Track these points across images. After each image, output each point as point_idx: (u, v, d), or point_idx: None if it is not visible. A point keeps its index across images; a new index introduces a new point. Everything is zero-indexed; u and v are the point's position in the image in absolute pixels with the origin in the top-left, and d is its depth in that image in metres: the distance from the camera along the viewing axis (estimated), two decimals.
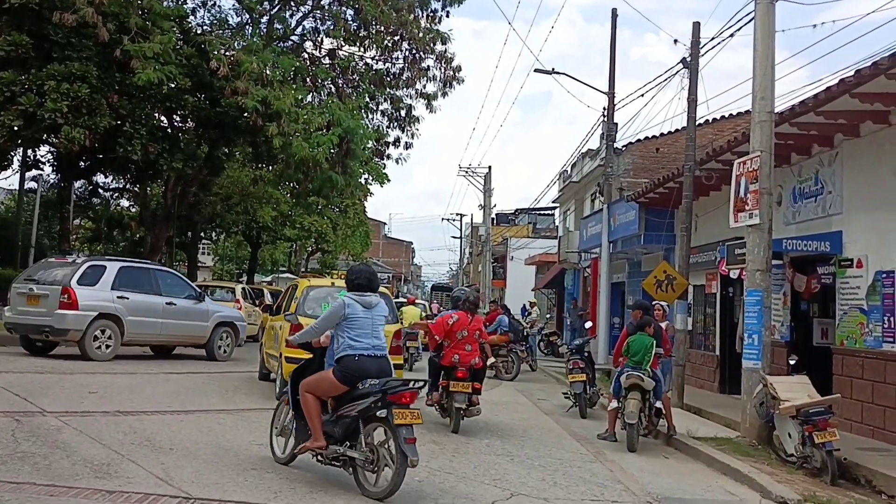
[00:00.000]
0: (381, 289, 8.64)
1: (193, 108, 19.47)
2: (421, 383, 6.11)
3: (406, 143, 24.43)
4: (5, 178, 56.54)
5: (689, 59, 14.54)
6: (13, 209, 37.87)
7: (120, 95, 18.20)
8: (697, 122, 15.41)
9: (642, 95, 20.24)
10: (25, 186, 35.51)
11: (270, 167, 29.10)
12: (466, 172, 52.74)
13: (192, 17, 21.91)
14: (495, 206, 55.29)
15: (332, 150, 19.75)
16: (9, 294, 14.56)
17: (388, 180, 45.68)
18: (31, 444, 6.36)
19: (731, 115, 22.48)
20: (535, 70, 22.48)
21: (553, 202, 37.80)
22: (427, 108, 24.50)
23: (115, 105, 18.03)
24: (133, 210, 36.15)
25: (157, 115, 19.68)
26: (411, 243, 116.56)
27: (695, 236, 15.23)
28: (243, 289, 22.30)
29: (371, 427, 5.74)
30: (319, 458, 5.97)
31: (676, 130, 24.32)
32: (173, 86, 18.76)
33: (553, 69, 22.56)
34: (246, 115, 18.93)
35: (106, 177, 25.56)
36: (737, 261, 11.47)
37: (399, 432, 5.48)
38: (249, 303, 22.04)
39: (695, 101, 14.44)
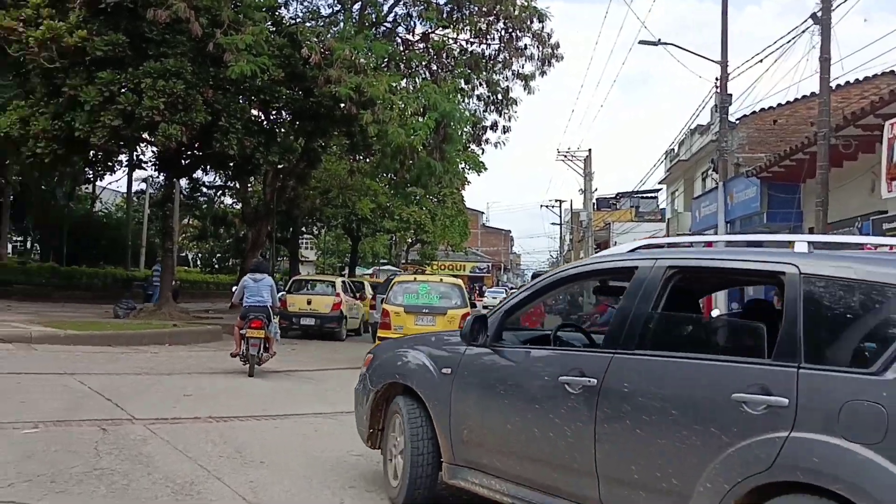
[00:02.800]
0: (452, 280, 14.94)
1: (288, 100, 19.19)
2: None
3: (504, 126, 23.46)
4: (116, 181, 58.95)
5: (820, 14, 13.02)
6: (125, 210, 39.12)
7: (214, 90, 18.06)
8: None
9: (761, 61, 18.46)
10: (138, 188, 36.64)
11: (367, 159, 28.84)
12: (565, 156, 51.34)
13: (284, 10, 21.74)
14: (596, 190, 53.65)
15: (428, 136, 19.02)
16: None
17: (485, 168, 44.88)
18: (113, 459, 5.83)
19: (856, 80, 20.45)
20: (641, 42, 21.20)
21: (659, 183, 36.08)
22: (525, 89, 23.45)
23: (210, 100, 17.88)
24: (236, 207, 36.63)
25: (251, 108, 19.46)
26: (510, 231, 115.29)
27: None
28: (343, 282, 21.91)
29: None
30: None
31: (795, 100, 22.48)
32: (267, 78, 18.47)
33: (659, 40, 21.20)
34: (340, 104, 18.49)
35: (206, 174, 25.64)
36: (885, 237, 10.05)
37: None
38: (350, 296, 21.65)
39: (828, 60, 12.93)
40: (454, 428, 4.73)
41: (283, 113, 20.69)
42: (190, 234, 47.45)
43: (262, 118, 20.02)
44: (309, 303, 19.93)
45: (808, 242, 3.67)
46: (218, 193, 36.61)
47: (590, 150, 45.00)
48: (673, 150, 31.58)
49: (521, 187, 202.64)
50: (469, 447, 4.68)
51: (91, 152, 19.76)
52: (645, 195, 66.18)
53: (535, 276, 58.57)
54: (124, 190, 39.62)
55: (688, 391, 3.56)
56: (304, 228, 42.22)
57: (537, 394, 4.26)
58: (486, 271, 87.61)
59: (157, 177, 31.80)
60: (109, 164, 22.05)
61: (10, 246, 49.57)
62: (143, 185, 44.25)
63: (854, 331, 3.28)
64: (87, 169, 23.38)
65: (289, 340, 19.03)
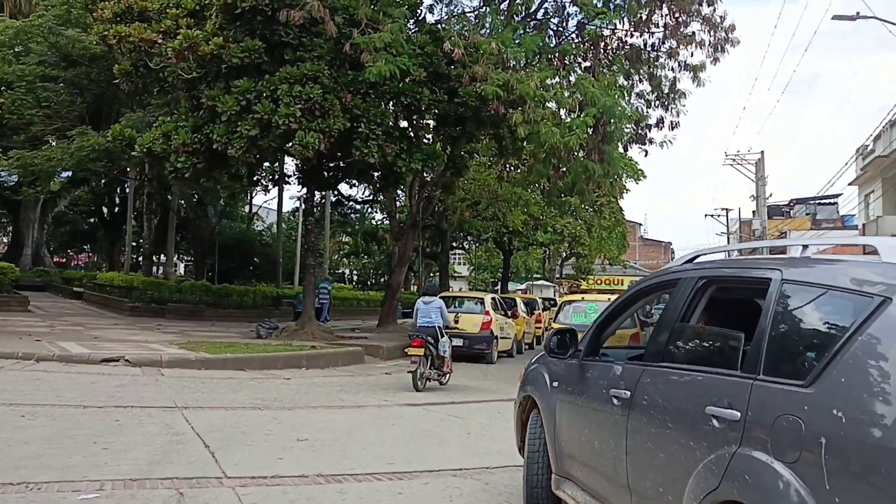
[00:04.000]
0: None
1: (430, 103, 17.72)
2: None
3: (672, 122, 20.87)
4: (270, 199, 60.20)
5: None
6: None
7: (353, 94, 16.91)
8: None
9: None
10: (294, 206, 36.71)
11: (518, 168, 27.04)
12: (734, 160, 47.41)
13: (427, 12, 20.42)
14: (770, 196, 49.16)
15: (585, 136, 16.96)
16: None
17: (644, 176, 42.07)
18: None
19: None
20: (834, 17, 18.15)
21: (849, 184, 31.91)
22: (693, 80, 20.83)
23: (349, 105, 16.72)
24: (387, 222, 35.89)
25: (392, 112, 18.13)
26: (670, 244, 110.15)
27: None
28: (494, 299, 20.10)
29: None
30: None
31: None
32: (407, 79, 17.13)
33: (857, 13, 18.07)
34: (487, 104, 16.82)
35: (352, 187, 24.68)
36: None
37: None
38: (501, 313, 19.82)
39: None
40: (556, 439, 4.89)
41: (426, 117, 19.26)
42: (344, 250, 47.52)
43: (404, 123, 18.60)
44: (456, 321, 18.22)
45: (804, 245, 3.61)
46: (366, 209, 35.97)
47: (762, 152, 40.89)
48: (867, 146, 27.67)
49: (681, 197, 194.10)
50: (565, 458, 4.80)
51: (232, 167, 19.11)
52: (822, 201, 60.80)
53: None
54: (285, 208, 40.07)
55: (680, 404, 3.53)
56: (454, 243, 40.99)
57: (596, 406, 4.36)
58: None
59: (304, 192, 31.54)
60: (254, 178, 21.45)
61: (182, 266, 51.69)
62: (298, 203, 45.03)
63: (811, 340, 3.09)
64: (233, 184, 23.02)
65: None
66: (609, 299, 15.88)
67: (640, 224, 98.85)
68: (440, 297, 13.93)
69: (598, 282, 78.54)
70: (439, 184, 21.77)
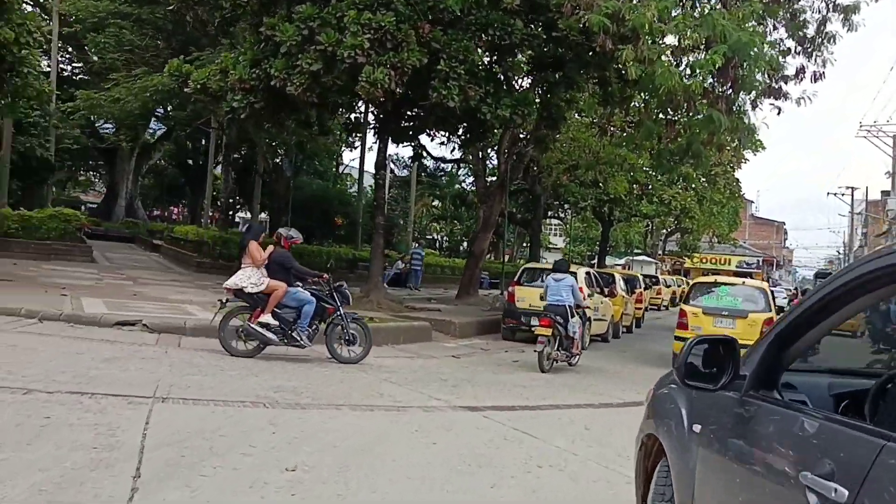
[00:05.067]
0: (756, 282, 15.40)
1: (524, 38, 14.97)
2: None
3: (816, 73, 17.32)
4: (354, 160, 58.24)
5: None
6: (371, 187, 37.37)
7: (432, 25, 14.34)
8: None
9: None
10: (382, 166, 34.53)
11: (623, 131, 23.92)
12: (869, 131, 42.56)
13: None
14: None
15: (711, 79, 13.90)
16: None
17: (763, 147, 37.84)
18: None
19: None
20: None
21: None
22: (844, 24, 17.22)
23: (426, 37, 14.19)
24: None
25: (478, 48, 15.43)
26: (783, 223, 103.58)
27: None
28: (588, 273, 17.32)
29: None
30: None
31: None
32: (498, 9, 14.45)
33: None
34: (591, 40, 13.98)
35: (430, 137, 22.14)
36: None
37: None
38: (597, 290, 17.03)
39: None
40: None
41: (518, 55, 16.49)
42: (432, 213, 45.29)
43: (491, 60, 15.85)
44: (542, 298, 15.65)
45: None
46: (455, 169, 33.43)
47: None
48: None
49: (801, 172, 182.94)
50: None
51: (297, 109, 16.93)
52: None
53: (819, 276, 49.65)
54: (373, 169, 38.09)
55: None
56: (549, 211, 38.03)
57: (773, 490, 2.38)
58: (754, 266, 78.34)
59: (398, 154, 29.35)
60: (324, 126, 19.24)
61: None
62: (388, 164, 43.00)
63: None
64: (302, 132, 20.90)
65: (515, 345, 15.02)
66: (744, 283, 14.73)
67: (752, 201, 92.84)
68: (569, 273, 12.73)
69: (703, 260, 74.10)
70: (532, 139, 18.99)
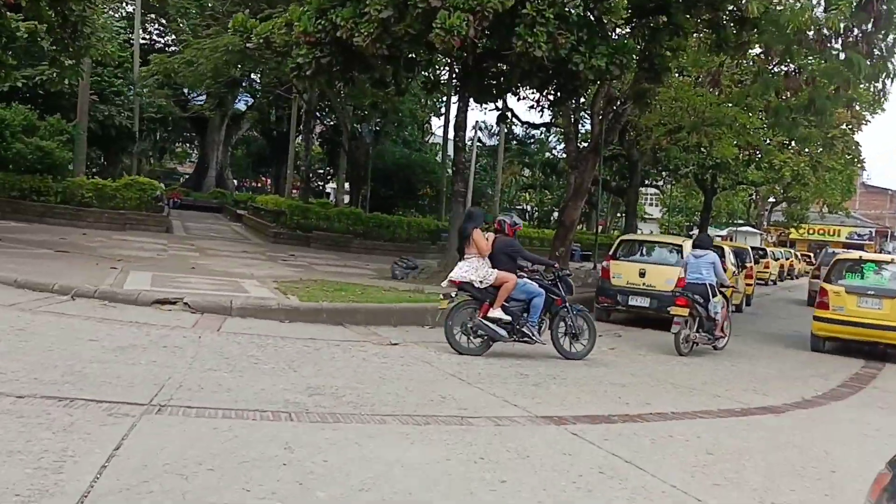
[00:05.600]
0: None
1: None
2: None
3: None
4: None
5: None
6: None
7: None
8: None
9: None
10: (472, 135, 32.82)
11: (732, 87, 21.48)
12: None
13: None
14: None
15: (850, 14, 11.60)
16: None
17: (883, 108, 34.13)
18: None
19: None
20: None
21: None
22: None
23: None
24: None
25: None
26: None
27: None
28: None
29: None
30: None
31: None
32: None
33: None
34: None
35: (517, 97, 20.26)
36: None
37: None
38: None
39: None
40: None
41: None
42: (520, 182, 43.33)
43: (585, 4, 13.86)
44: (642, 274, 13.77)
45: None
46: (545, 135, 31.39)
47: None
48: None
49: None
50: None
51: (369, 65, 15.41)
52: None
53: None
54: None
55: None
56: (645, 179, 35.55)
57: None
58: (866, 238, 73.15)
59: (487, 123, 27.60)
60: (401, 85, 17.66)
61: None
62: (475, 129, 41.15)
63: None
64: (377, 92, 19.34)
65: (611, 327, 13.24)
66: (893, 260, 13.55)
67: (864, 169, 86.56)
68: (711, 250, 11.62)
69: (811, 231, 69.51)
70: (631, 95, 16.91)
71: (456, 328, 8.84)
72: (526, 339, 9.06)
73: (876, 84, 14.16)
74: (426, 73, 18.27)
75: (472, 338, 8.87)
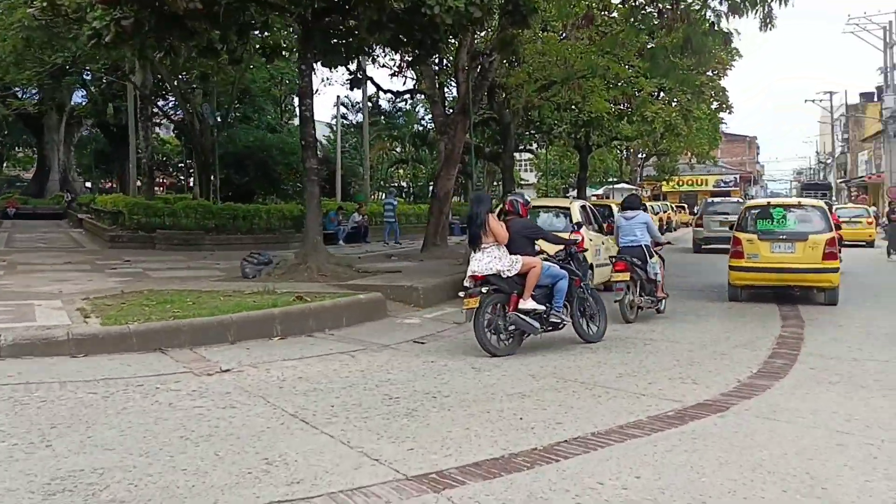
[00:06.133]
0: (813, 201, 13.91)
1: None
2: None
3: None
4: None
5: None
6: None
7: None
8: None
9: None
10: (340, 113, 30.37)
11: (601, 33, 20.08)
12: (857, 24, 39.10)
13: None
14: None
15: None
16: None
17: (740, 55, 33.98)
18: None
19: None
20: None
21: None
22: None
23: None
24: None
25: None
26: (755, 138, 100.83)
27: None
28: (584, 208, 13.80)
29: None
30: None
31: None
32: None
33: None
34: None
35: (371, 56, 18.11)
36: None
37: None
38: (594, 230, 13.47)
39: None
40: None
41: None
42: (392, 158, 41.21)
43: None
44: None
45: None
46: (413, 105, 29.39)
47: None
48: None
49: (773, 80, 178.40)
50: None
51: (190, 29, 12.87)
52: None
53: (806, 187, 46.51)
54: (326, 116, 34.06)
55: None
56: (520, 144, 34.20)
57: None
58: (732, 184, 75.69)
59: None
60: (235, 52, 15.15)
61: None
62: (338, 107, 38.68)
63: None
64: (207, 62, 16.79)
65: None
66: (799, 203, 13.55)
67: (723, 119, 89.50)
68: None
69: (681, 182, 71.10)
70: (497, 44, 15.12)
71: (486, 328, 7.79)
72: (554, 326, 8.29)
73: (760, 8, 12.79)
74: (262, 37, 15.80)
75: (501, 336, 7.88)
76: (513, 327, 7.90)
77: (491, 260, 7.96)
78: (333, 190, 33.58)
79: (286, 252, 16.83)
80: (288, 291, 10.60)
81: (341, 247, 22.81)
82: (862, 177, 57.54)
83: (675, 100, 30.00)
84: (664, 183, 64.65)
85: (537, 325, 8.05)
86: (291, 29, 15.57)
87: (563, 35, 21.79)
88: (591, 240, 12.39)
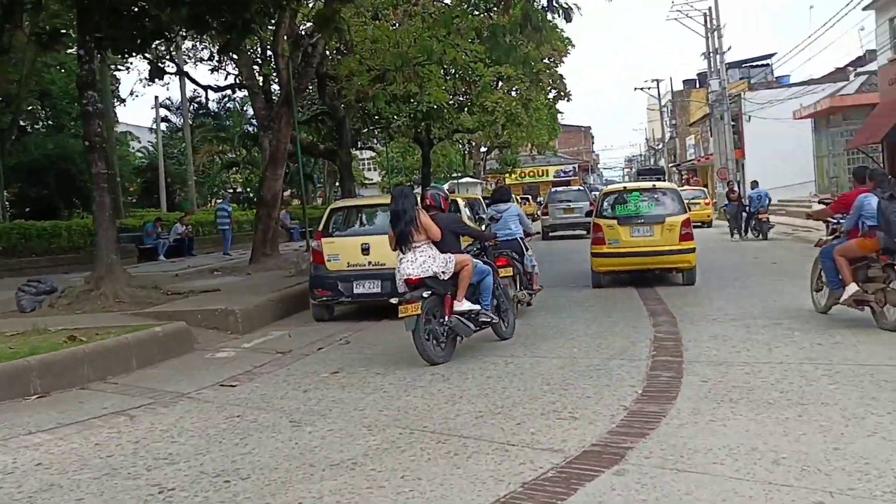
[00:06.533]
0: (666, 184, 14.94)
1: None
2: None
3: None
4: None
5: None
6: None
7: None
8: None
9: None
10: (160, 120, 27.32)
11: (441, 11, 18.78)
12: (680, 12, 40.25)
13: None
14: (729, 49, 42.33)
15: None
16: None
17: (572, 45, 34.10)
18: None
19: None
20: None
21: (865, 7, 24.70)
22: None
23: None
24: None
25: None
26: (589, 128, 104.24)
27: None
28: (468, 202, 12.49)
29: None
30: None
31: None
32: None
33: None
34: None
35: (174, 44, 15.84)
36: None
37: None
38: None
39: None
40: None
41: None
42: (222, 162, 38.29)
43: None
44: (366, 250, 10.24)
45: None
46: (241, 103, 27.00)
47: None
48: None
49: (604, 71, 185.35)
50: None
51: None
52: (756, 63, 56.83)
53: (641, 173, 47.86)
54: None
55: None
56: (358, 141, 32.47)
57: None
58: (572, 174, 77.50)
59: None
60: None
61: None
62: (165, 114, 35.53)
63: None
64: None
65: (336, 329, 9.83)
66: (654, 186, 13.31)
67: (569, 100, 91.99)
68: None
69: (523, 174, 72.03)
70: (317, 21, 13.35)
71: (424, 336, 7.07)
72: (486, 324, 7.78)
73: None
74: (38, 21, 13.22)
75: (441, 341, 7.26)
76: (449, 332, 7.31)
77: (426, 260, 7.30)
78: (159, 200, 30.57)
79: (70, 276, 14.29)
80: (64, 329, 8.39)
81: (162, 262, 20.27)
82: (691, 160, 60.08)
83: (514, 88, 29.37)
84: (507, 175, 65.08)
85: (472, 326, 7.53)
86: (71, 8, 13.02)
87: (396, 24, 20.41)
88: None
